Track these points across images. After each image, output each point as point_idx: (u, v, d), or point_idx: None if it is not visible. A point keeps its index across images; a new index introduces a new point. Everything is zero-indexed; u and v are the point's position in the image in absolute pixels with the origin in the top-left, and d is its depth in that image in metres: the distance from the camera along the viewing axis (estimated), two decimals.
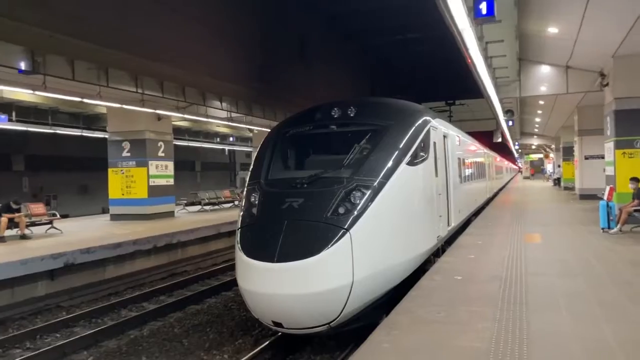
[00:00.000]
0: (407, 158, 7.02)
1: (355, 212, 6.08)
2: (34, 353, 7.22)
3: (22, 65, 9.70)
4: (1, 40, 9.27)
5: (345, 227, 5.92)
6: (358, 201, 6.18)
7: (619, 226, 10.80)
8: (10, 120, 17.26)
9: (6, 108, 17.62)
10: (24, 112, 19.17)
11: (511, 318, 4.82)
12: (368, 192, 6.28)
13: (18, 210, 12.55)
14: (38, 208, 13.70)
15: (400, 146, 7.03)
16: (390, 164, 6.70)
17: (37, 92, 11.93)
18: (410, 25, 17.84)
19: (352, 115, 7.49)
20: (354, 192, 6.25)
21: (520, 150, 58.34)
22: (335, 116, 7.57)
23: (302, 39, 16.84)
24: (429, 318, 4.93)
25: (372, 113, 7.72)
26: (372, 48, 21.97)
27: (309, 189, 6.47)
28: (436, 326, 4.68)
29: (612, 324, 4.63)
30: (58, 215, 14.40)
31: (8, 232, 12.20)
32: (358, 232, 5.94)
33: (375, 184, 6.40)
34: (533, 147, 55.20)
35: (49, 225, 13.71)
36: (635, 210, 10.70)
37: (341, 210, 6.10)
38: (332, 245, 5.79)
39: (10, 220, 12.18)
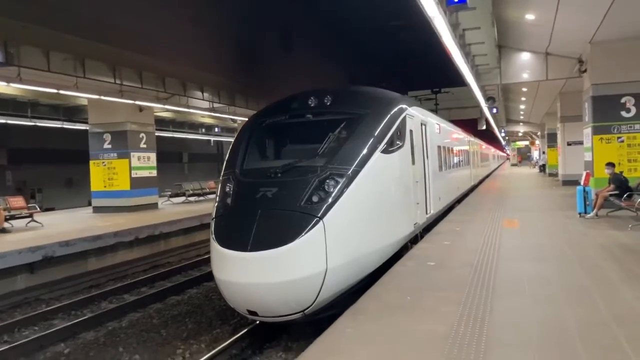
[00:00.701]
0: (382, 146, 7.05)
1: (329, 201, 6.10)
2: (10, 346, 7.20)
3: None
4: None
5: (319, 215, 5.95)
6: (332, 189, 6.21)
7: (595, 211, 10.95)
8: None
9: None
10: (3, 104, 18.90)
11: (475, 302, 4.90)
12: (342, 181, 6.31)
13: None
14: (17, 201, 13.59)
15: (375, 134, 7.05)
16: (364, 152, 6.73)
17: (11, 84, 11.77)
18: (392, 13, 17.77)
19: (328, 104, 7.49)
20: (327, 181, 6.27)
21: (507, 138, 58.72)
22: (312, 105, 7.57)
23: (284, 29, 16.73)
24: (396, 303, 4.99)
25: (348, 102, 7.73)
26: (354, 36, 21.86)
27: (282, 178, 6.49)
28: (402, 311, 4.74)
29: (573, 306, 4.73)
30: (38, 209, 14.30)
31: None
32: (331, 220, 5.98)
33: (349, 172, 6.42)
34: (520, 134, 55.60)
35: (29, 219, 13.60)
36: (611, 195, 10.86)
37: (315, 198, 6.12)
38: (305, 234, 5.82)
39: None
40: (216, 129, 33.31)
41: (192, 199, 21.19)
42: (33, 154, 26.04)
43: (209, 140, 38.58)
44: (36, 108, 20.32)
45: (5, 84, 11.72)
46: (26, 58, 10.20)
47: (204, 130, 33.27)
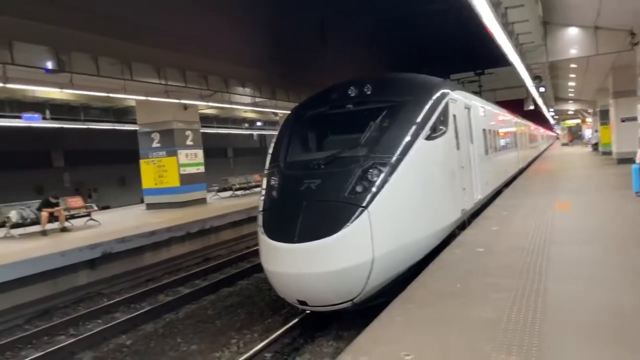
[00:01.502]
0: (425, 132, 6.99)
1: (373, 190, 6.13)
2: (76, 339, 7.64)
3: (49, 65, 10.06)
4: (26, 42, 9.63)
5: (363, 204, 5.99)
6: (375, 179, 6.22)
7: None
8: (44, 118, 17.92)
9: (40, 107, 18.30)
10: (58, 109, 19.86)
11: (527, 288, 4.81)
12: (385, 169, 6.31)
13: (57, 204, 13.12)
14: (76, 201, 14.29)
15: (417, 121, 6.99)
16: (407, 139, 6.69)
17: (64, 90, 12.34)
18: None
19: (368, 93, 7.47)
20: (371, 170, 6.29)
21: (556, 117, 56.51)
22: (352, 95, 7.56)
23: (321, 18, 16.69)
24: (445, 291, 4.98)
25: (389, 89, 7.68)
26: (393, 22, 21.55)
27: (326, 169, 6.55)
28: (451, 299, 4.72)
29: (629, 290, 4.57)
30: (95, 207, 14.97)
31: (49, 226, 12.79)
32: (376, 209, 6.00)
33: (392, 160, 6.41)
34: (570, 112, 53.29)
35: (88, 218, 14.28)
36: None
37: (359, 188, 6.16)
38: (350, 224, 5.87)
39: (51, 214, 12.75)
40: (259, 123, 33.75)
41: (238, 192, 21.61)
42: (88, 155, 27.26)
43: (252, 135, 39.14)
44: (88, 111, 21.24)
45: (59, 89, 12.31)
46: (77, 64, 10.69)
47: (247, 125, 33.78)
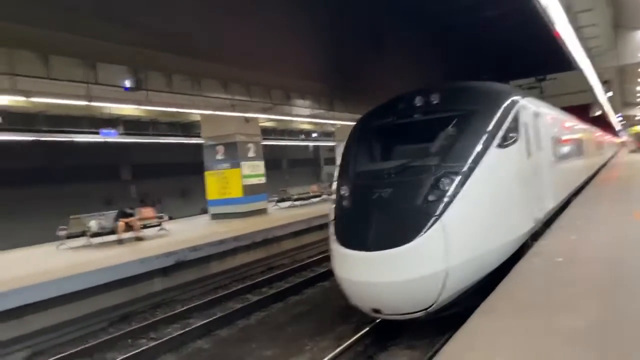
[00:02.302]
0: (497, 141, 6.92)
1: (446, 199, 6.14)
2: (158, 342, 8.04)
3: (127, 83, 10.72)
4: (108, 63, 10.32)
5: (437, 214, 6.02)
6: (447, 188, 6.23)
7: None
8: (119, 134, 18.99)
9: (114, 123, 19.43)
10: (129, 125, 21.01)
11: (615, 300, 4.68)
12: (457, 178, 6.31)
13: (132, 215, 13.85)
14: (148, 212, 15.01)
15: (488, 129, 6.94)
16: (478, 148, 6.66)
17: (141, 107, 13.06)
18: (488, 3, 17.15)
19: (435, 102, 7.47)
20: (442, 179, 6.30)
21: (624, 122, 53.84)
22: (419, 104, 7.59)
23: (378, 29, 16.82)
24: (528, 301, 4.92)
25: (457, 98, 7.66)
26: (449, 30, 21.36)
27: (397, 178, 6.61)
28: (535, 309, 4.66)
29: None
30: (166, 217, 15.65)
31: (124, 235, 13.49)
32: (449, 218, 6.01)
33: (465, 169, 6.40)
34: (637, 117, 50.69)
35: (159, 227, 14.95)
36: None
37: (431, 197, 6.18)
38: (424, 233, 5.91)
39: (126, 224, 13.47)
40: (314, 134, 34.17)
41: (297, 203, 21.94)
42: (152, 168, 28.54)
43: (307, 146, 39.67)
44: (156, 126, 22.33)
45: (136, 106, 13.04)
46: (152, 82, 11.32)
47: (302, 136, 34.29)
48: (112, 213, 13.88)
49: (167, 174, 29.42)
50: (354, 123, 8.62)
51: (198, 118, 19.28)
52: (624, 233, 7.88)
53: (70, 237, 13.08)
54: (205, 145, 18.55)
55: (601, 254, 6.55)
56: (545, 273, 5.93)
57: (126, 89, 10.96)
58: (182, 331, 8.51)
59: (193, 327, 8.67)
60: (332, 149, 35.81)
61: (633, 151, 58.86)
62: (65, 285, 9.16)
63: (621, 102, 32.56)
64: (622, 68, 17.42)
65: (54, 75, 9.76)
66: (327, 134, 34.51)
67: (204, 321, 8.91)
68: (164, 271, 11.34)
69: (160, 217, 15.31)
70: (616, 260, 6.20)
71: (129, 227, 13.66)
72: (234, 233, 13.56)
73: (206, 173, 18.66)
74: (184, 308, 10.02)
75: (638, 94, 28.32)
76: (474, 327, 4.36)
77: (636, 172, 22.91)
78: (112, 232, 13.29)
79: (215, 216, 18.27)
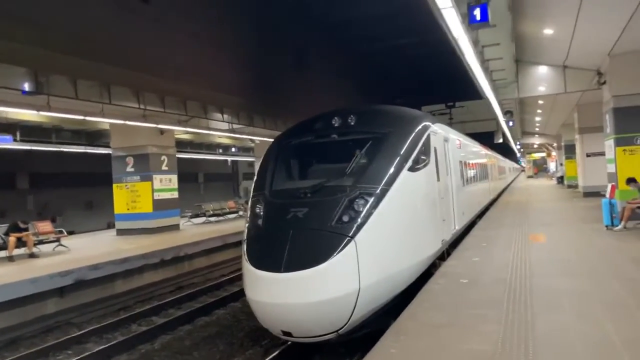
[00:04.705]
0: (409, 164, 7.10)
1: (359, 220, 6.15)
2: None
3: (26, 87, 9.85)
4: (4, 63, 9.44)
5: (350, 234, 6.00)
6: (362, 209, 6.26)
7: (623, 223, 10.84)
8: (14, 140, 17.45)
9: (11, 128, 17.83)
10: (28, 131, 19.39)
11: (516, 320, 4.89)
12: (371, 200, 6.36)
13: (26, 230, 12.67)
14: (45, 226, 13.83)
15: (402, 152, 7.11)
16: (392, 170, 6.78)
17: (41, 112, 12.08)
18: (405, 31, 17.95)
19: (352, 123, 7.56)
20: (357, 200, 6.32)
21: (522, 150, 58.39)
22: (336, 125, 7.65)
23: (299, 50, 16.97)
24: (436, 322, 5.00)
25: (373, 121, 7.80)
26: (368, 55, 22.08)
27: (312, 198, 6.55)
28: (442, 330, 4.75)
29: (615, 323, 4.69)
30: (65, 233, 14.51)
31: (16, 251, 12.31)
32: (363, 239, 6.02)
33: (378, 191, 6.48)
34: (535, 146, 55.23)
35: (57, 243, 13.81)
36: (639, 207, 10.75)
37: (345, 218, 6.17)
38: (337, 254, 5.86)
39: (19, 239, 12.29)
40: (233, 149, 33.65)
41: (212, 219, 21.33)
42: (53, 178, 26.54)
43: (225, 160, 38.99)
44: (59, 133, 20.80)
45: (35, 112, 12.02)
46: (55, 86, 10.50)
47: (220, 150, 33.63)
48: (3, 227, 12.63)
49: (71, 184, 27.49)
50: (273, 139, 8.52)
51: (107, 127, 18.24)
52: (521, 255, 8.38)
53: None
54: (114, 156, 17.57)
55: (500, 276, 6.88)
56: (451, 294, 6.10)
57: (24, 92, 10.07)
58: (75, 358, 7.80)
59: (88, 353, 7.98)
60: (251, 164, 35.47)
61: (530, 176, 63.93)
62: None
63: (521, 132, 35.26)
64: (522, 100, 18.83)
65: None
66: (246, 149, 34.15)
67: (102, 347, 8.24)
68: (60, 291, 10.43)
69: (60, 232, 14.17)
70: (514, 281, 6.52)
71: (22, 243, 12.49)
72: (141, 250, 12.83)
73: (114, 185, 17.63)
74: (81, 332, 9.23)
75: (537, 124, 30.79)
76: (383, 351, 4.34)
77: (532, 197, 24.78)
78: (3, 247, 12.07)
79: (122, 232, 17.26)
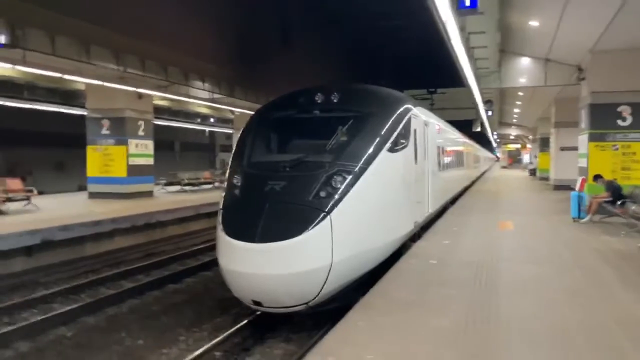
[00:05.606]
0: (388, 145, 7.17)
1: (336, 196, 6.21)
2: (13, 327, 7.23)
3: (2, 39, 9.50)
4: None
5: (326, 210, 6.06)
6: (339, 185, 6.31)
7: (589, 216, 11.20)
8: None
9: None
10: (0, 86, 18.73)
11: (480, 301, 5.06)
12: (349, 177, 6.41)
13: None
14: (15, 184, 13.53)
15: (382, 133, 7.17)
16: (371, 150, 6.84)
17: (17, 67, 11.67)
18: (394, 12, 17.86)
19: (335, 101, 7.56)
20: (335, 177, 6.37)
21: (498, 140, 59.28)
22: (319, 101, 7.63)
23: (285, 23, 16.76)
24: (404, 299, 5.14)
25: (356, 100, 7.81)
26: (354, 34, 21.94)
27: (291, 172, 6.57)
28: (410, 307, 4.89)
29: (574, 308, 4.90)
30: (35, 192, 14.22)
31: None
32: (338, 215, 6.09)
33: (357, 169, 6.53)
34: (511, 137, 56.13)
35: (26, 201, 13.54)
36: (605, 202, 11.10)
37: (322, 193, 6.22)
38: (312, 228, 5.92)
39: None
40: (212, 120, 33.22)
41: (187, 188, 21.16)
42: (24, 136, 25.77)
43: (203, 130, 38.50)
44: (33, 90, 20.16)
45: (10, 66, 11.60)
46: (32, 41, 10.14)
47: (199, 120, 33.17)
48: None
49: (42, 144, 26.74)
50: (255, 112, 8.46)
51: (83, 87, 17.76)
52: (489, 241, 8.61)
53: None
54: (89, 118, 17.19)
55: (468, 259, 7.07)
56: (420, 274, 6.26)
57: (0, 45, 9.70)
58: (41, 317, 7.74)
59: (55, 312, 7.92)
60: (229, 137, 35.12)
61: (504, 167, 65.11)
62: None
63: (498, 122, 35.77)
64: (503, 90, 19.07)
65: None
66: (225, 121, 33.73)
67: (69, 307, 8.19)
68: (28, 250, 10.28)
69: (30, 191, 13.88)
70: (481, 265, 6.72)
71: None
72: (113, 214, 12.69)
73: (88, 147, 17.28)
74: (48, 292, 9.14)
75: (515, 116, 31.26)
76: (351, 323, 4.45)
77: (504, 186, 25.32)
78: None
79: (94, 195, 17.00)
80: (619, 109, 12.16)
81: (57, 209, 13.73)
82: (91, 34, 11.13)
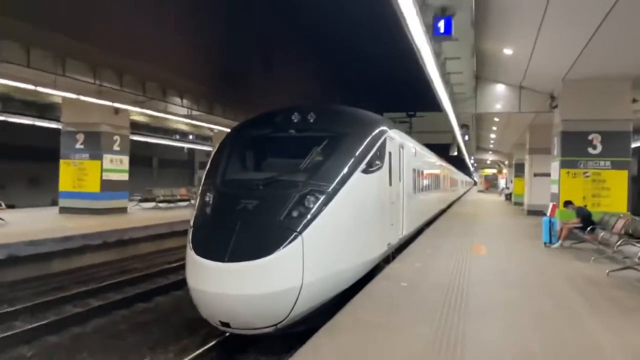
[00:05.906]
0: (362, 166, 7.19)
1: (308, 216, 6.18)
2: None
3: None
4: None
5: (298, 230, 6.01)
6: (312, 205, 6.28)
7: (560, 242, 11.35)
8: None
9: None
10: None
11: (448, 324, 5.04)
12: (322, 197, 6.39)
13: None
14: None
15: (356, 154, 7.19)
16: (345, 171, 6.85)
17: None
18: (374, 39, 18.23)
19: (311, 121, 7.59)
20: (308, 197, 6.35)
21: (475, 165, 60.12)
22: (295, 121, 7.66)
23: (266, 44, 16.90)
24: (372, 322, 5.09)
25: (331, 120, 7.85)
26: (335, 57, 22.29)
27: (264, 191, 6.53)
28: (377, 330, 4.83)
29: (541, 333, 4.91)
30: (3, 205, 13.86)
31: None
32: (310, 235, 6.04)
33: (330, 189, 6.52)
34: (488, 162, 57.02)
35: None
36: (576, 228, 11.28)
37: (294, 213, 6.18)
38: (283, 248, 5.86)
39: None
40: (190, 137, 33.03)
41: (162, 205, 20.88)
42: None
43: (182, 147, 38.22)
44: (7, 103, 19.80)
45: None
46: (6, 52, 10.00)
47: (177, 136, 32.93)
48: None
49: (16, 157, 26.21)
50: (231, 129, 8.43)
51: (59, 100, 17.51)
52: (462, 264, 8.64)
53: None
54: (64, 131, 16.93)
55: (439, 282, 7.07)
56: (390, 296, 6.22)
57: None
58: (2, 335, 7.45)
59: (16, 331, 7.64)
60: (209, 154, 34.91)
61: (481, 191, 65.96)
62: None
63: (476, 147, 36.32)
64: (479, 115, 19.40)
65: None
66: (204, 138, 33.58)
67: (31, 325, 7.91)
68: None
69: None
70: (452, 288, 6.72)
71: None
72: (84, 230, 12.41)
73: (61, 161, 16.97)
74: (10, 309, 8.82)
75: (491, 141, 31.80)
76: (317, 345, 4.38)
77: (480, 210, 25.59)
78: None
79: (66, 210, 16.64)
80: (589, 137, 12.44)
81: (25, 223, 13.39)
82: (67, 47, 11.02)
